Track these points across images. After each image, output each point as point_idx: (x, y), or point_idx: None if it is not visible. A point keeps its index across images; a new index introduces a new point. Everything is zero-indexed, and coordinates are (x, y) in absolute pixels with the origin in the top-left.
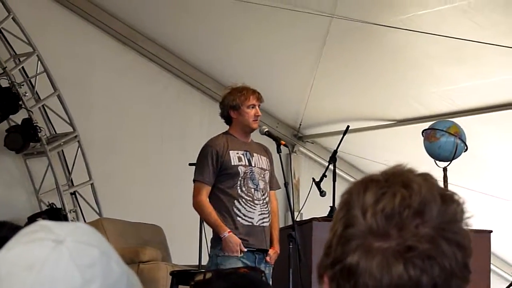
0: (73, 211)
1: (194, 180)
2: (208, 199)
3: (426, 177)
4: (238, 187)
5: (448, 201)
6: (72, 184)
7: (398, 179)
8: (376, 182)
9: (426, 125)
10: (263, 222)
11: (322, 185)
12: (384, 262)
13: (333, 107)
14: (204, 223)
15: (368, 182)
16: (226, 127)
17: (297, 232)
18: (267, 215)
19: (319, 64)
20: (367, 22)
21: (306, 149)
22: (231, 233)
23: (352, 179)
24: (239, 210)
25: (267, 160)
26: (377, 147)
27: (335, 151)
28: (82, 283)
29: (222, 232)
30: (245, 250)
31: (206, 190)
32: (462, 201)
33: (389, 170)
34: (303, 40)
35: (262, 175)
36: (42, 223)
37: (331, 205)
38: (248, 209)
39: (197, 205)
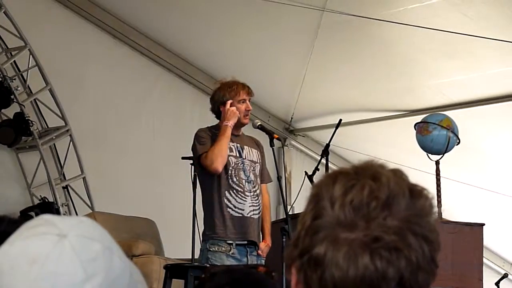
0: (65, 205)
1: (199, 156)
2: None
3: (396, 172)
4: (229, 178)
5: (417, 196)
6: (64, 178)
7: (367, 172)
8: (346, 174)
9: (419, 118)
10: (253, 214)
11: (314, 178)
12: (350, 252)
13: (325, 100)
14: (197, 216)
15: (338, 175)
16: (217, 121)
17: (290, 226)
18: (257, 208)
19: (310, 58)
20: (359, 16)
21: (298, 143)
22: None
23: None
24: (229, 201)
25: (258, 153)
26: (369, 140)
27: (328, 145)
28: (85, 277)
29: (224, 124)
30: None
31: None
32: (431, 196)
33: (360, 164)
34: (294, 33)
35: (252, 168)
36: (46, 217)
37: None
38: (239, 200)
39: (210, 157)
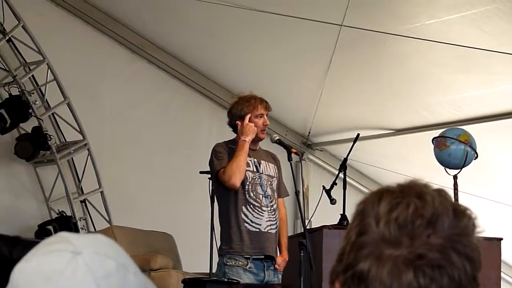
0: (83, 219)
1: (217, 172)
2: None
3: (440, 192)
4: (246, 192)
5: (460, 215)
6: (82, 192)
7: (412, 191)
8: (391, 192)
9: (436, 133)
10: (270, 229)
11: (331, 192)
12: (394, 269)
13: (342, 115)
14: (215, 230)
15: (384, 193)
16: (235, 135)
17: (308, 240)
18: (274, 222)
19: (328, 72)
20: (376, 31)
21: (315, 157)
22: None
23: (361, 187)
24: (247, 216)
25: (275, 167)
26: (387, 155)
27: (345, 159)
28: None
29: (241, 139)
30: None
31: None
32: (474, 216)
33: (405, 182)
34: (312, 48)
35: (269, 182)
36: (63, 234)
37: (342, 213)
38: (256, 215)
39: (228, 173)
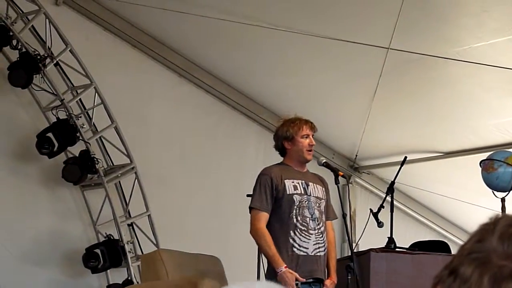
0: (130, 243)
1: (250, 208)
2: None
3: None
4: (294, 216)
5: None
6: (129, 216)
7: None
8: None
9: (482, 156)
10: (318, 252)
11: (378, 215)
12: (497, 276)
13: (389, 138)
14: (262, 254)
15: (507, 216)
16: (281, 158)
17: (355, 263)
18: (322, 245)
19: (375, 96)
20: (423, 54)
21: (362, 180)
22: (287, 268)
23: (408, 210)
24: (294, 240)
25: (323, 189)
26: (433, 179)
27: (393, 182)
28: None
29: (278, 267)
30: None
31: (264, 218)
32: None
33: None
34: (359, 71)
35: (317, 204)
36: (245, 283)
37: (389, 236)
38: (303, 239)
39: (256, 233)
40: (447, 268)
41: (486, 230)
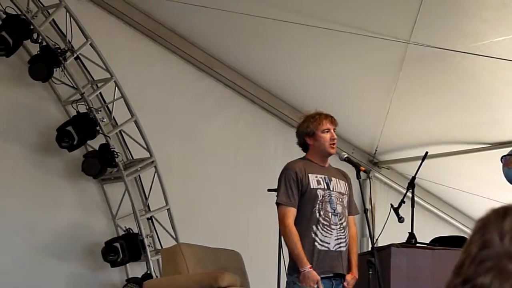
0: (150, 236)
1: (278, 203)
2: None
3: None
4: (317, 211)
5: None
6: (149, 209)
7: None
8: None
9: (503, 151)
10: (339, 247)
11: (399, 211)
12: None
13: (409, 133)
14: (283, 248)
15: (507, 210)
16: (300, 151)
17: (376, 258)
18: (344, 240)
19: (395, 90)
20: (443, 48)
21: (382, 175)
22: (311, 268)
23: (428, 206)
24: (316, 235)
25: (346, 184)
26: (454, 173)
27: (414, 177)
28: None
29: (303, 266)
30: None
31: (292, 213)
32: None
33: None
34: (379, 65)
35: (340, 200)
36: None
37: (410, 231)
38: (325, 234)
39: (285, 230)
40: (458, 275)
41: (490, 237)
